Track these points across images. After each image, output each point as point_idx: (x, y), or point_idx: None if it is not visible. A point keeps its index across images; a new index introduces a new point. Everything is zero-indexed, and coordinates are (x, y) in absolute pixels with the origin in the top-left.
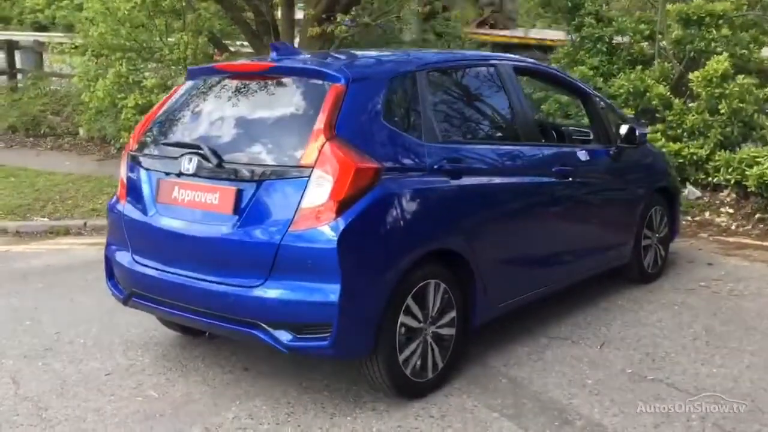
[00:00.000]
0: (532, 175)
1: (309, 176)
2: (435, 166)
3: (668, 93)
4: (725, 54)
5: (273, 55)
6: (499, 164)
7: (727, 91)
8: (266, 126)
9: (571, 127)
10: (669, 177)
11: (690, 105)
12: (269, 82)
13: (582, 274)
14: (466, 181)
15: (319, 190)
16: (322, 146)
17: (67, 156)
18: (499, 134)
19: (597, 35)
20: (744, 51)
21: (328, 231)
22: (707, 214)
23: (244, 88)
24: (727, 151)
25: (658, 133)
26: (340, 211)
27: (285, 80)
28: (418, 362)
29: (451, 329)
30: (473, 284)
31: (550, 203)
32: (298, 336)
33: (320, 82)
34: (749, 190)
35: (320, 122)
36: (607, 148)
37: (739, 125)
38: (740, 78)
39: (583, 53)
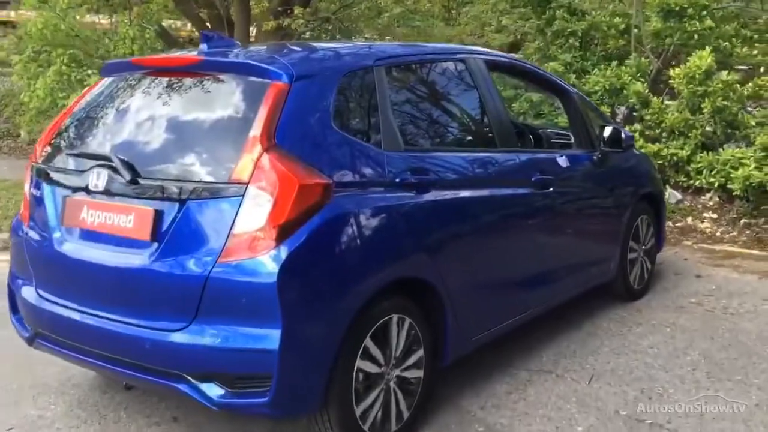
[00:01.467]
0: (509, 186)
1: (243, 195)
2: (397, 179)
3: (646, 90)
4: (708, 49)
5: (203, 46)
6: (471, 174)
7: (711, 89)
8: (192, 133)
9: (549, 130)
10: (654, 182)
11: (669, 103)
12: (197, 80)
13: (565, 295)
14: (435, 195)
15: (256, 211)
16: (259, 158)
17: (5, 161)
18: (471, 139)
19: (569, 29)
20: (726, 44)
21: (266, 262)
22: (689, 219)
23: (168, 86)
24: (710, 153)
25: (636, 134)
26: (281, 237)
27: (216, 77)
28: (379, 414)
29: (419, 371)
30: (444, 316)
31: (529, 217)
32: (231, 391)
33: (258, 79)
34: (735, 193)
35: (257, 128)
36: (590, 153)
37: (722, 125)
38: (724, 74)
39: (555, 48)
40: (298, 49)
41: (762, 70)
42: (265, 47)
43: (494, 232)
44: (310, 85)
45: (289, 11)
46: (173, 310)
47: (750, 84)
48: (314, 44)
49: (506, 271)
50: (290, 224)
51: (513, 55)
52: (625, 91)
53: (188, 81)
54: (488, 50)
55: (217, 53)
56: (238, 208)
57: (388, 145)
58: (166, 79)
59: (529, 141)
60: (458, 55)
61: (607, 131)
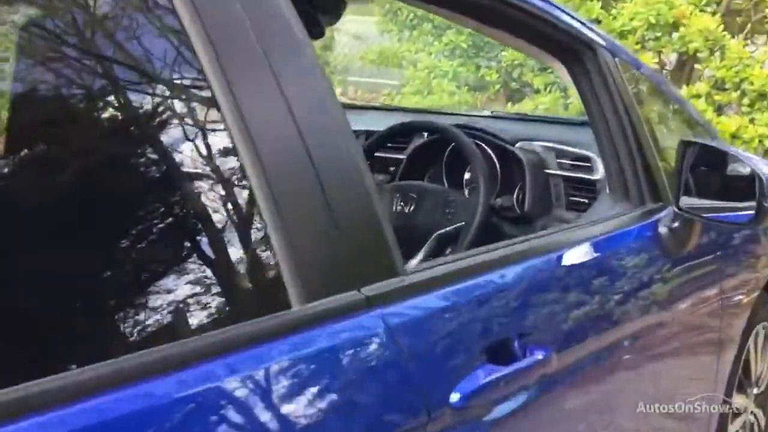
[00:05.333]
0: None
1: None
2: None
3: (719, 27)
4: None
5: None
6: None
7: None
8: None
9: (540, 141)
10: None
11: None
12: None
13: None
14: None
15: None
16: None
17: None
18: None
19: None
20: None
21: None
22: None
23: None
24: None
25: (702, 98)
26: None
27: None
28: None
29: None
30: None
31: None
32: None
33: None
34: None
35: None
36: (651, 219)
37: None
38: None
39: None
40: None
41: None
42: None
43: None
44: None
45: None
46: None
47: None
48: None
49: None
50: None
51: None
52: (681, 29)
53: None
54: None
55: None
56: None
57: None
58: None
59: (485, 187)
60: None
61: (695, 153)
